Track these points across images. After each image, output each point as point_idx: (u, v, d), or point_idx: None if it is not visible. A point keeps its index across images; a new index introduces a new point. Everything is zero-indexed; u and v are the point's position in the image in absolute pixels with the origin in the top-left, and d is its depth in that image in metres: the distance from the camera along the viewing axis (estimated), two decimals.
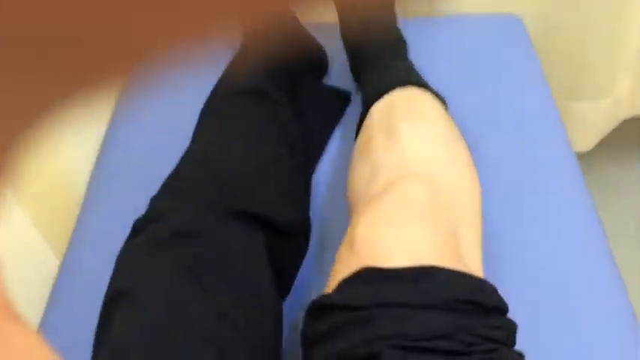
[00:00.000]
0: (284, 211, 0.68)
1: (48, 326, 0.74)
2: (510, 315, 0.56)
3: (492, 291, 0.56)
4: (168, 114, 0.94)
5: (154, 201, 0.66)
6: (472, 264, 0.58)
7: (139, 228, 0.63)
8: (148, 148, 0.91)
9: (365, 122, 0.72)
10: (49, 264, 0.82)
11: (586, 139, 1.29)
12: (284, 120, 0.76)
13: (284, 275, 0.68)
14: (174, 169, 0.69)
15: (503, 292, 0.57)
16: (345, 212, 0.81)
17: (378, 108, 0.71)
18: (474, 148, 0.70)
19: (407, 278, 0.52)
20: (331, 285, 0.57)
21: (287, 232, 0.67)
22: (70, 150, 0.89)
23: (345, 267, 0.56)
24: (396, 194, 0.59)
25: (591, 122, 1.27)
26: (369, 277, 0.53)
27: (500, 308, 0.55)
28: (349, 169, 0.72)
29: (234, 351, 0.55)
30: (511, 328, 0.55)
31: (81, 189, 0.90)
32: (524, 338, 0.57)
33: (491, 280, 0.57)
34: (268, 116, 0.75)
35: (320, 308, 0.55)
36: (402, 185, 0.60)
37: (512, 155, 0.88)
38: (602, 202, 0.95)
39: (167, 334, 0.53)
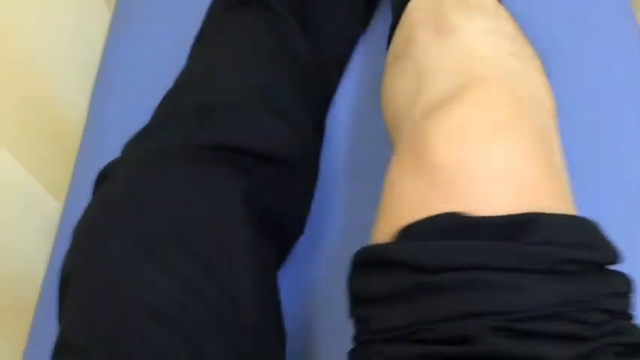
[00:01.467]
0: (275, 134, 0.55)
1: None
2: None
3: (604, 239, 0.42)
4: (170, 28, 0.82)
5: (127, 145, 0.55)
6: (569, 194, 0.44)
7: (97, 182, 0.52)
8: (149, 65, 0.80)
9: (401, 22, 0.57)
10: (50, 208, 0.74)
11: None
12: (285, 32, 0.62)
13: (283, 216, 0.57)
14: (160, 101, 0.58)
15: None
16: (373, 145, 0.69)
17: (418, 3, 0.55)
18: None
19: (502, 230, 0.38)
20: (383, 227, 0.43)
21: (282, 159, 0.55)
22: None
23: (414, 201, 0.41)
24: (471, 102, 0.43)
25: None
26: (450, 226, 0.39)
27: (616, 261, 0.41)
28: (383, 84, 0.57)
29: (205, 333, 0.44)
30: (632, 289, 0.41)
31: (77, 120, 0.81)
32: None
33: None
34: (265, 30, 0.62)
35: (375, 262, 0.42)
36: (476, 92, 0.44)
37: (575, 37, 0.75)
38: None
39: (117, 323, 0.43)
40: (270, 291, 0.53)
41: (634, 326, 0.39)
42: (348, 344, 0.45)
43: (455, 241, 0.38)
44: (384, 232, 0.42)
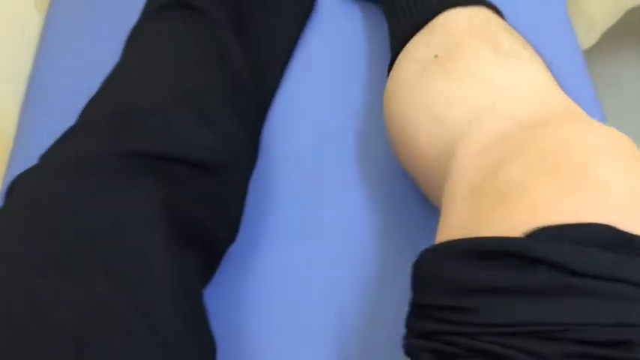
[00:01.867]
0: (200, 140, 0.53)
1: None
2: None
3: None
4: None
5: (43, 154, 0.52)
6: None
7: (6, 196, 0.49)
8: (82, 68, 0.77)
9: (436, 24, 0.54)
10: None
11: (589, 33, 1.18)
12: (216, 35, 0.60)
13: (210, 225, 0.54)
14: (83, 107, 0.56)
15: None
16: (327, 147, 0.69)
17: (459, 16, 0.54)
18: None
19: None
20: (504, 223, 0.40)
21: (208, 166, 0.53)
22: None
23: (553, 205, 0.39)
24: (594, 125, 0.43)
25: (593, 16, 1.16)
26: (590, 235, 0.37)
27: None
28: (407, 83, 0.54)
29: (120, 356, 0.41)
30: None
31: None
32: None
33: None
34: (195, 33, 0.60)
35: (491, 254, 0.39)
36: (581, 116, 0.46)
37: None
38: (604, 95, 0.85)
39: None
40: (192, 303, 0.50)
41: None
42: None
43: (608, 252, 0.37)
44: (504, 227, 0.40)
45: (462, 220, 0.43)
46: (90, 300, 0.42)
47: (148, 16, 0.63)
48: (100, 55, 0.76)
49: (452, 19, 0.54)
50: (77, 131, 0.53)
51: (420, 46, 0.55)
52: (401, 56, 0.57)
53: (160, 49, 0.59)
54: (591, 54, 1.17)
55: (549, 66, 0.68)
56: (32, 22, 0.84)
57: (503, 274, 0.38)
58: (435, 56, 0.52)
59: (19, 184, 0.49)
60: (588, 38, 1.20)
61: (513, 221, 0.39)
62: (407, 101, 0.54)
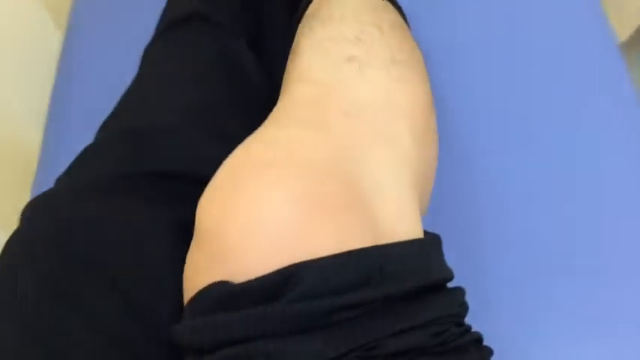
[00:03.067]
0: (215, 158, 0.50)
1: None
2: None
3: (402, 262, 0.37)
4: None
5: (59, 177, 0.50)
6: (385, 202, 0.39)
7: (20, 220, 0.48)
8: (103, 84, 0.76)
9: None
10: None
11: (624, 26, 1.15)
12: (231, 49, 0.58)
13: None
14: (99, 128, 0.55)
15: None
16: None
17: (301, 23, 0.52)
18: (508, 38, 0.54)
19: (265, 292, 0.35)
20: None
21: None
22: None
23: (192, 271, 0.38)
24: (244, 147, 0.40)
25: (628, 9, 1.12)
26: (217, 296, 0.35)
27: (418, 283, 0.37)
28: None
29: None
30: (448, 312, 0.38)
31: None
32: None
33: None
34: (209, 48, 0.58)
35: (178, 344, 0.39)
36: (258, 135, 0.41)
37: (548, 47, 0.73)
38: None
39: None
40: None
41: None
42: None
43: (220, 314, 0.35)
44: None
45: None
46: (98, 336, 0.40)
47: (162, 30, 0.62)
48: (120, 68, 0.75)
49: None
50: (91, 153, 0.52)
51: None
52: None
53: (173, 66, 0.57)
54: (627, 47, 1.14)
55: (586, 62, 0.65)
56: (53, 39, 0.84)
57: None
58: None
59: (32, 210, 0.47)
60: (624, 31, 1.16)
61: (184, 298, 0.39)
62: None
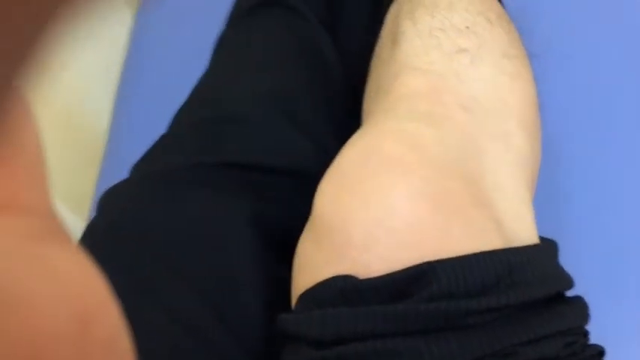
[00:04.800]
0: (294, 148, 0.50)
1: None
2: None
3: (529, 269, 0.35)
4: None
5: (135, 165, 0.51)
6: (495, 226, 0.37)
7: (98, 209, 0.48)
8: (172, 70, 0.76)
9: (381, 31, 0.51)
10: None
11: None
12: (310, 37, 0.57)
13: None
14: (174, 115, 0.54)
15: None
16: None
17: (390, 14, 0.50)
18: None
19: (395, 289, 0.34)
20: (293, 296, 0.39)
21: (301, 175, 0.50)
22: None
23: (308, 263, 0.38)
24: (361, 143, 0.39)
25: None
26: (341, 290, 0.34)
27: (549, 292, 0.36)
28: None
29: None
30: (576, 323, 0.37)
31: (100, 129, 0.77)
32: None
33: None
34: (289, 35, 0.57)
35: (286, 334, 0.37)
36: (371, 131, 0.40)
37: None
38: None
39: None
40: None
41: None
42: None
43: (345, 307, 0.34)
44: (294, 300, 0.38)
45: None
46: (174, 323, 0.40)
47: (238, 15, 0.61)
48: (189, 56, 0.75)
49: (387, 16, 0.50)
50: (167, 142, 0.52)
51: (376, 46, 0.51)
52: None
53: (248, 52, 0.57)
54: None
55: None
56: (123, 22, 0.84)
57: (289, 357, 0.37)
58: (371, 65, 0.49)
59: (108, 199, 0.48)
60: None
61: (294, 293, 0.38)
62: None
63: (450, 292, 0.33)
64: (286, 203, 0.50)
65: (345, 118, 0.60)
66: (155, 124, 0.56)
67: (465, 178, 0.37)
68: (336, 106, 0.58)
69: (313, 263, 0.36)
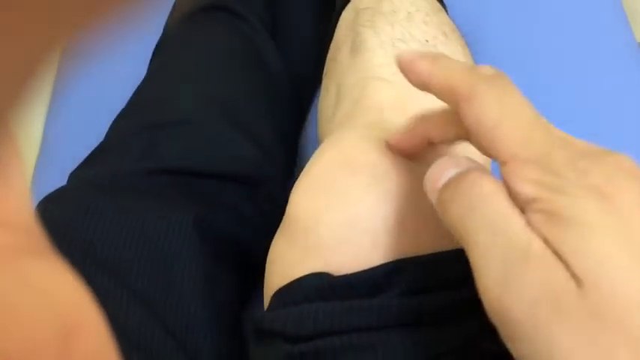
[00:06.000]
0: (237, 152, 0.50)
1: None
2: None
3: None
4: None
5: (72, 173, 0.50)
6: None
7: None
8: (109, 77, 0.74)
9: (335, 34, 0.51)
10: None
11: None
12: (253, 41, 0.56)
13: (247, 239, 0.51)
14: (113, 121, 0.53)
15: None
16: None
17: (342, 19, 0.50)
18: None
19: (369, 285, 0.34)
20: (265, 294, 0.40)
21: (245, 179, 0.50)
22: None
23: (282, 262, 0.38)
24: (336, 142, 0.39)
25: None
26: (317, 287, 0.35)
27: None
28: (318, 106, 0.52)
29: None
30: None
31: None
32: None
33: None
34: (231, 39, 0.56)
35: (259, 333, 0.38)
36: (346, 131, 0.40)
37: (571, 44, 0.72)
38: None
39: None
40: (232, 332, 0.47)
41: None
42: None
43: (321, 303, 0.34)
44: (266, 298, 0.39)
45: None
46: (123, 340, 0.39)
47: (178, 19, 0.60)
48: (126, 61, 0.73)
49: (337, 28, 0.50)
50: (107, 148, 0.51)
51: (328, 56, 0.51)
52: None
53: (190, 57, 0.56)
54: None
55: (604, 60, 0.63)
56: None
57: (260, 354, 0.37)
58: (325, 73, 0.50)
59: (46, 207, 0.46)
60: None
61: (267, 292, 0.39)
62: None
63: (424, 286, 0.34)
64: (231, 210, 0.50)
65: (289, 123, 0.60)
66: (90, 130, 0.54)
67: None
68: (280, 112, 0.57)
69: (286, 262, 0.37)
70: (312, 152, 0.64)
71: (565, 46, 0.72)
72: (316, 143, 0.65)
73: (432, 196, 0.30)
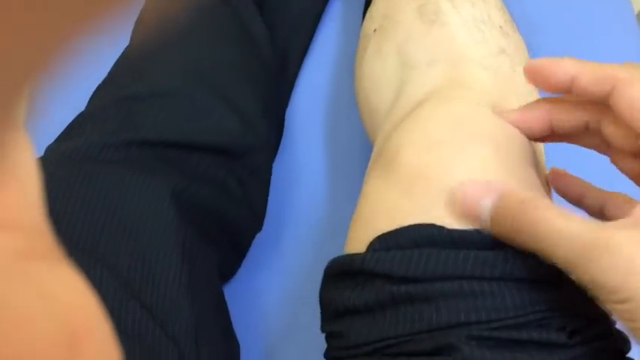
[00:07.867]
0: (220, 123, 0.49)
1: None
2: None
3: None
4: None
5: (50, 145, 0.48)
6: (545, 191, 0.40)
7: None
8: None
9: None
10: None
11: None
12: (240, 13, 0.55)
13: (230, 213, 0.51)
14: (93, 93, 0.52)
15: None
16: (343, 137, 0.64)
17: None
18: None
19: (477, 243, 0.35)
20: (359, 237, 0.40)
21: (227, 151, 0.50)
22: None
23: (392, 210, 0.38)
24: (447, 109, 0.40)
25: None
26: (425, 234, 0.36)
27: None
28: (359, 69, 0.50)
29: None
30: None
31: None
32: None
33: None
34: (217, 10, 0.54)
35: (350, 273, 0.38)
36: (458, 95, 0.40)
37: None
38: None
39: None
40: (212, 307, 0.47)
41: (615, 331, 0.36)
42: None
43: (433, 249, 0.35)
44: (360, 242, 0.39)
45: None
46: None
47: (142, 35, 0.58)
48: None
49: None
50: (85, 120, 0.49)
51: (367, 18, 0.50)
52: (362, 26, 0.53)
53: (176, 26, 0.54)
54: None
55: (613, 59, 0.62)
56: None
57: (356, 293, 0.37)
58: (374, 30, 0.48)
59: None
60: None
61: (363, 235, 0.39)
62: (358, 83, 0.51)
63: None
64: (211, 181, 0.49)
65: (274, 97, 0.59)
66: (69, 102, 0.53)
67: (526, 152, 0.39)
68: (265, 84, 0.56)
69: (399, 209, 0.37)
70: (300, 127, 0.64)
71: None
72: (303, 116, 0.64)
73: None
